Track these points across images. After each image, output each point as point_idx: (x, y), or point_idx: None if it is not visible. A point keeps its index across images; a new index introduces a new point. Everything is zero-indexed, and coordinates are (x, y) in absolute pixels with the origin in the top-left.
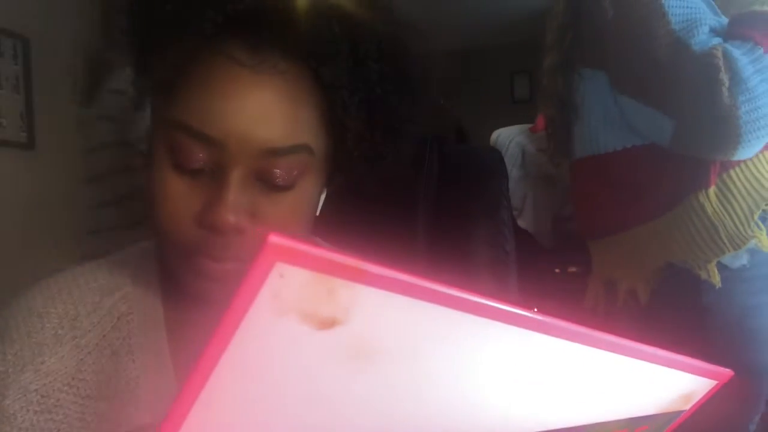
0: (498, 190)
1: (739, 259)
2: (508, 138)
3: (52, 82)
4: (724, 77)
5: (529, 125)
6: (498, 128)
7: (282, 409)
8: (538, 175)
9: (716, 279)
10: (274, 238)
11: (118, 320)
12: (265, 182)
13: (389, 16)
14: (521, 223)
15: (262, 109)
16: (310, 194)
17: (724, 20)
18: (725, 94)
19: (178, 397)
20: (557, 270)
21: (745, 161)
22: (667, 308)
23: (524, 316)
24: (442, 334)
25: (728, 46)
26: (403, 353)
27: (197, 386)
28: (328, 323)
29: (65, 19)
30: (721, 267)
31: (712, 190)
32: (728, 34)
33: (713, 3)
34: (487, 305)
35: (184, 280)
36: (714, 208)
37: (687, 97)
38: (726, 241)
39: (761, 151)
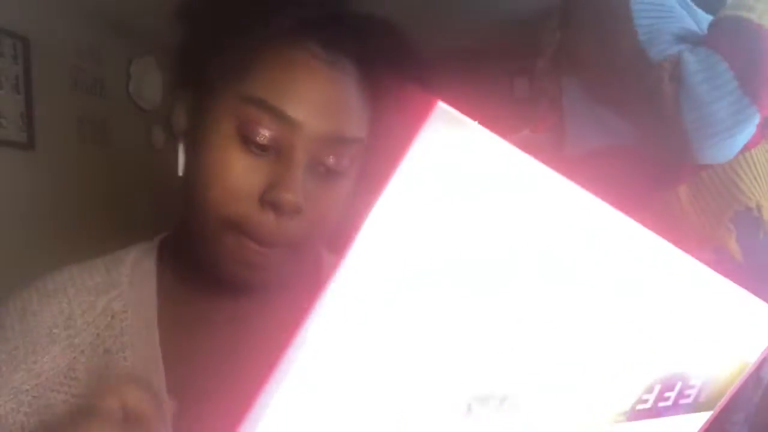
0: None
1: None
2: None
3: (52, 82)
4: (668, 87)
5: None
6: (497, 127)
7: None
8: None
9: None
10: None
11: (112, 319)
12: (316, 168)
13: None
14: None
15: (338, 101)
16: (352, 187)
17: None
18: (670, 103)
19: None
20: None
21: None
22: None
23: None
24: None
25: (687, 53)
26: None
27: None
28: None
29: (65, 19)
30: None
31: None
32: (705, 38)
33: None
34: None
35: (222, 262)
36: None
37: (644, 106)
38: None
39: (741, 152)
